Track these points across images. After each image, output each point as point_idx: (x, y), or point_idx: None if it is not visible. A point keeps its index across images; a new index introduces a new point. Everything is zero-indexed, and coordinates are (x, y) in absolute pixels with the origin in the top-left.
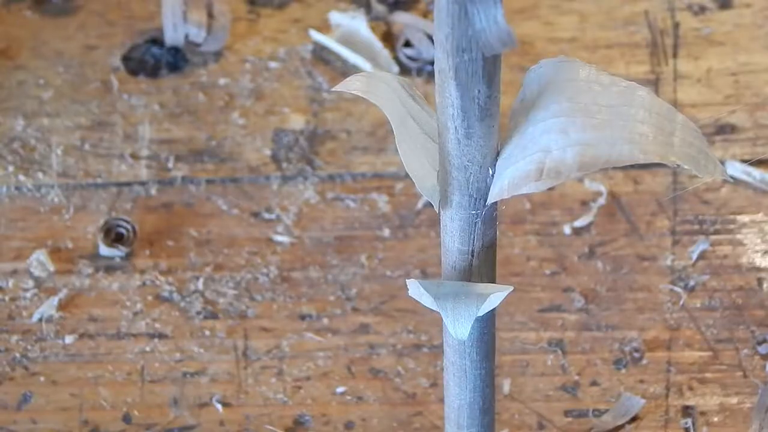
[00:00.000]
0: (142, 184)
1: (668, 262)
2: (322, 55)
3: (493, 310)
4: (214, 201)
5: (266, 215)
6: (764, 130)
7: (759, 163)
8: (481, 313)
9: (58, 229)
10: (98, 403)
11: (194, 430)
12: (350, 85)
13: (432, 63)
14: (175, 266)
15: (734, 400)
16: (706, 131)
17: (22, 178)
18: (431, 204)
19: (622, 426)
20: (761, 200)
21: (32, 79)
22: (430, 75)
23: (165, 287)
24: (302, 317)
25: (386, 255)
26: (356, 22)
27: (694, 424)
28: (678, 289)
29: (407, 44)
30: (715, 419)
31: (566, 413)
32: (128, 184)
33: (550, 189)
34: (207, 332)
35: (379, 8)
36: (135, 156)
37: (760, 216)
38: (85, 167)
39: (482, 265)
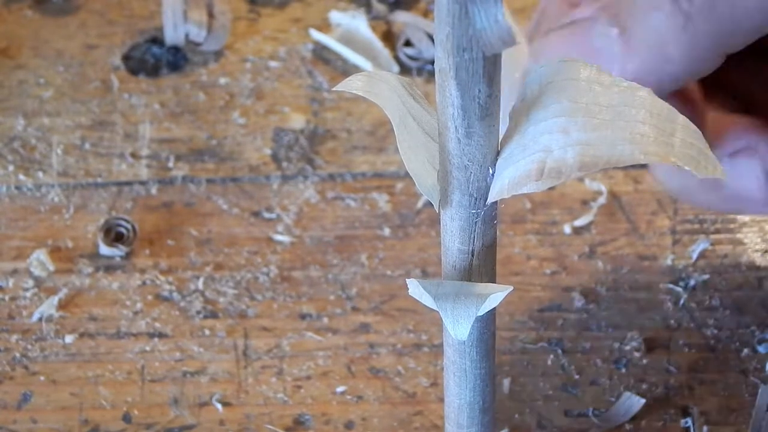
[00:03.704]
0: (143, 183)
1: (668, 262)
2: (322, 55)
3: (493, 309)
4: (215, 200)
5: (266, 215)
6: None
7: None
8: (480, 313)
9: (58, 228)
10: (98, 402)
11: (194, 429)
12: (351, 85)
13: (432, 62)
14: (175, 266)
15: (734, 399)
16: None
17: (22, 177)
18: (431, 203)
19: (621, 426)
20: None
21: (32, 78)
22: (431, 74)
23: (165, 287)
24: (302, 317)
25: (386, 254)
26: (356, 22)
27: (694, 423)
28: (678, 289)
29: (407, 43)
30: (715, 419)
31: (566, 413)
32: (128, 183)
33: (551, 188)
34: (207, 332)
35: (380, 7)
36: (135, 155)
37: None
38: (86, 166)
39: (482, 265)
